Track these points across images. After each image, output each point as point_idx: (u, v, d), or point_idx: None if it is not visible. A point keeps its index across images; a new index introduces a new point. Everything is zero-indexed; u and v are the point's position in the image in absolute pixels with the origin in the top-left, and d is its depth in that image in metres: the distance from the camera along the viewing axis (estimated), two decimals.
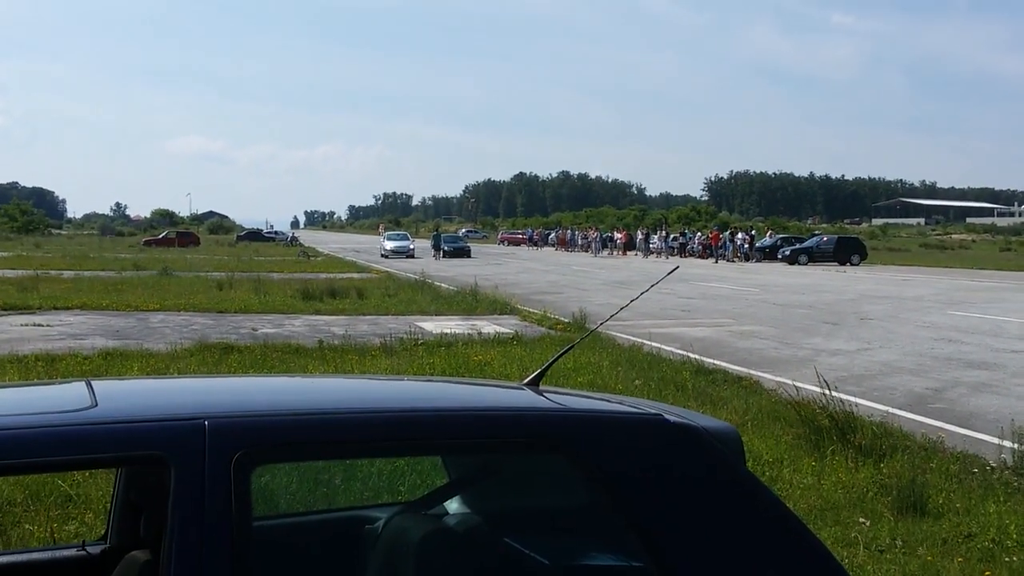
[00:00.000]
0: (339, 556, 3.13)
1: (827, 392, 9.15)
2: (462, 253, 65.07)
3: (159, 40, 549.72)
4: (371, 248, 75.85)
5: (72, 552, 3.15)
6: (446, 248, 65.09)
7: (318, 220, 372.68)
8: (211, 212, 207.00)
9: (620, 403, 2.92)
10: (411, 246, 65.60)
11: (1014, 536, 6.48)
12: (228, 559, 2.07)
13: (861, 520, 6.85)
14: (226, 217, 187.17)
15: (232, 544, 2.09)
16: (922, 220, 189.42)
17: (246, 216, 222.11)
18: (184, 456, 2.13)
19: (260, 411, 2.41)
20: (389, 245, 65.43)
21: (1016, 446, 8.29)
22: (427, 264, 48.48)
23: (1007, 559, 6.13)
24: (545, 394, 2.86)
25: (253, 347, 14.89)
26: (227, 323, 19.17)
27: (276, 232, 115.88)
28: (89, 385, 2.51)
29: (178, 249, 68.77)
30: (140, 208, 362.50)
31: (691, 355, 14.14)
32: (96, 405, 2.30)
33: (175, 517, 2.08)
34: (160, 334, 17.06)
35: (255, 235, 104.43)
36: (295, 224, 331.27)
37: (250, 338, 16.42)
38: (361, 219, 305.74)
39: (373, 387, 3.47)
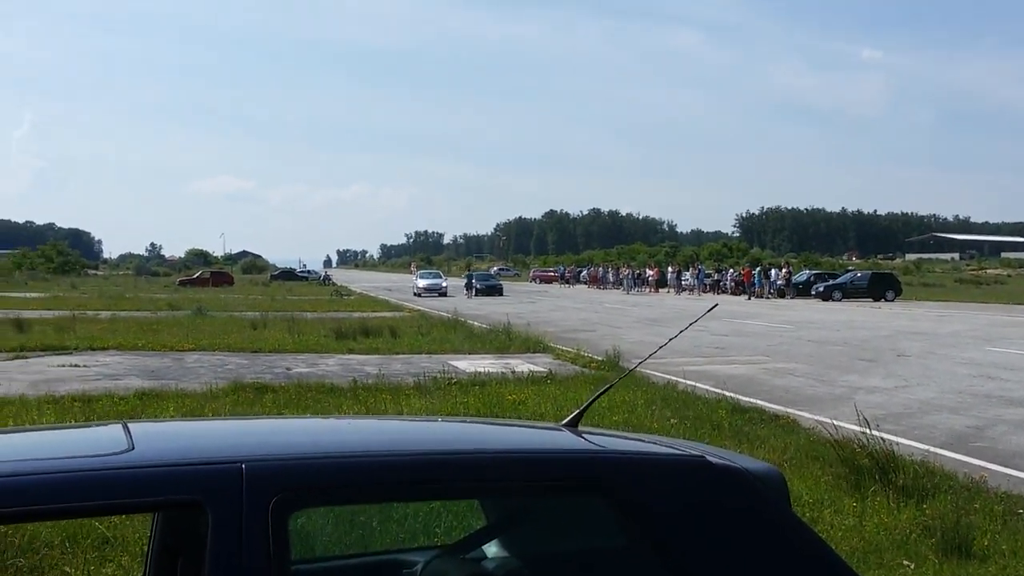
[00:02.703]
0: None
1: (867, 431, 9.03)
2: (494, 291, 64.59)
3: (189, 81, 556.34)
4: (403, 286, 76.10)
5: None
6: (478, 286, 64.93)
7: (350, 259, 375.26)
8: (244, 252, 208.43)
9: (661, 444, 2.88)
10: (444, 284, 65.45)
11: None
12: None
13: (905, 563, 6.72)
14: (259, 256, 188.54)
15: None
16: (956, 255, 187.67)
17: (279, 255, 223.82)
18: (221, 500, 2.10)
19: (297, 454, 2.38)
20: (422, 283, 65.23)
21: None
22: (459, 302, 48.58)
23: None
24: (584, 435, 2.82)
25: (287, 387, 14.92)
26: (261, 363, 19.23)
27: (309, 271, 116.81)
28: (126, 428, 2.49)
29: (212, 289, 69.35)
30: (175, 248, 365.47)
31: (726, 393, 14.02)
32: (132, 448, 2.28)
33: (212, 562, 2.05)
34: (195, 374, 17.14)
35: (288, 274, 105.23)
36: (328, 263, 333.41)
37: (284, 378, 16.45)
38: (393, 258, 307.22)
39: (410, 429, 3.44)
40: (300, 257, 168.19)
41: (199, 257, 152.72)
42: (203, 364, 18.89)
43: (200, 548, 2.11)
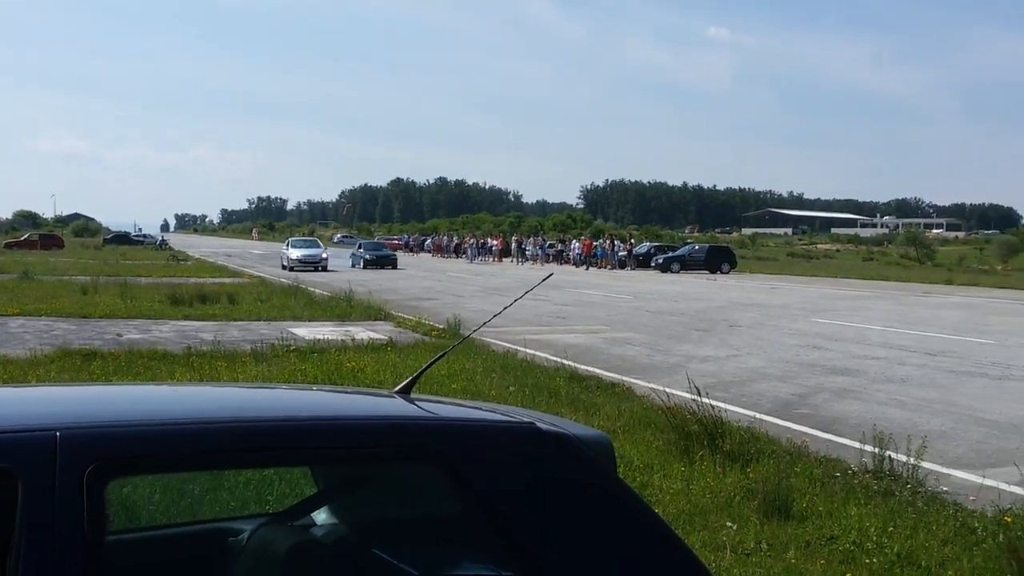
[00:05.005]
0: (201, 570, 3.03)
1: (697, 398, 9.31)
2: (387, 263, 54.74)
3: (23, 37, 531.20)
4: (243, 252, 74.46)
5: None
6: (367, 256, 55.12)
7: (189, 223, 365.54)
8: (77, 214, 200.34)
9: (492, 411, 2.90)
10: (324, 255, 51.61)
11: (874, 538, 6.68)
12: None
13: (728, 524, 6.96)
14: (92, 219, 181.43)
15: (84, 561, 1.99)
16: (789, 230, 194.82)
17: (114, 219, 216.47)
18: (32, 469, 2.02)
19: (116, 421, 2.31)
20: (295, 254, 50.81)
21: (876, 450, 8.56)
22: (311, 273, 47.84)
23: (867, 561, 6.31)
24: (416, 402, 2.82)
25: (118, 353, 14.45)
26: (91, 328, 18.58)
27: (145, 235, 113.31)
28: None
29: (40, 252, 66.55)
30: (1, 209, 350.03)
31: (565, 362, 14.25)
32: None
33: (22, 534, 1.97)
34: (19, 340, 16.44)
35: (123, 238, 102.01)
36: (165, 227, 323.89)
37: (115, 344, 15.94)
38: (234, 223, 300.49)
39: (238, 395, 3.38)
40: (136, 221, 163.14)
41: (27, 219, 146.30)
42: (28, 330, 18.12)
43: (11, 518, 2.04)
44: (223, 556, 3.00)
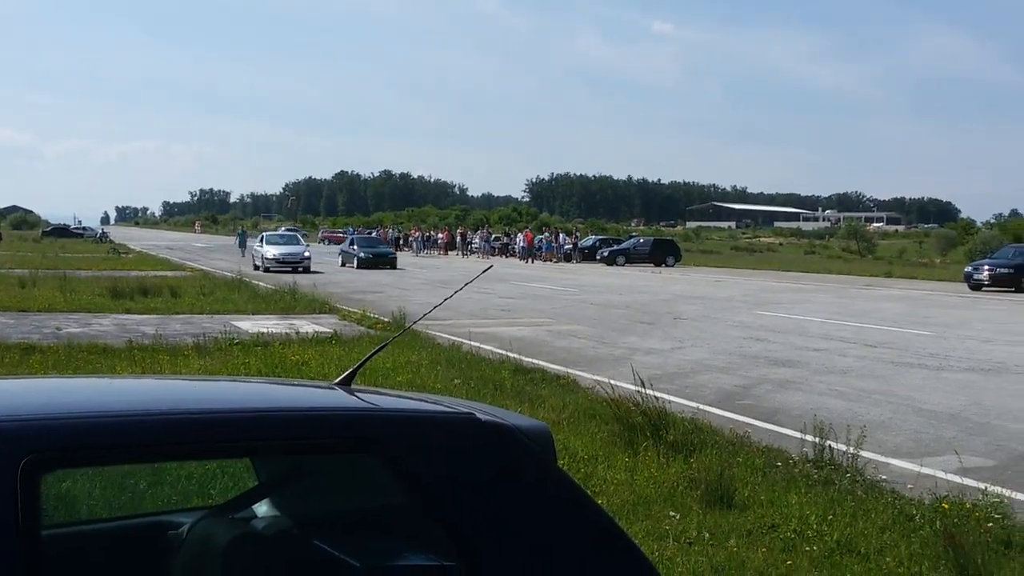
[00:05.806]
0: (138, 564, 3.00)
1: (642, 390, 9.37)
2: (384, 262, 46.23)
3: None
4: (186, 245, 73.60)
5: None
6: (361, 255, 46.63)
7: (131, 216, 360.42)
8: (15, 206, 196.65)
9: (433, 402, 2.91)
10: (306, 253, 43.41)
11: (814, 526, 6.77)
12: (12, 571, 1.95)
13: (671, 514, 7.03)
14: (31, 212, 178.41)
15: (17, 555, 1.97)
16: (733, 223, 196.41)
17: (53, 211, 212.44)
18: None
19: (52, 413, 2.28)
20: (271, 252, 42.78)
21: (817, 440, 8.68)
22: (243, 263, 47.18)
23: (807, 548, 6.40)
24: (356, 394, 2.82)
25: (57, 347, 14.25)
26: (29, 322, 18.29)
27: (85, 228, 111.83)
28: None
29: None
30: None
31: (510, 354, 14.26)
32: None
33: None
34: None
35: (62, 231, 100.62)
36: (105, 220, 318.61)
37: (54, 338, 15.71)
38: (176, 215, 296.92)
39: (177, 387, 3.35)
40: (75, 213, 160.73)
41: None
42: None
43: None
44: (162, 549, 2.97)
